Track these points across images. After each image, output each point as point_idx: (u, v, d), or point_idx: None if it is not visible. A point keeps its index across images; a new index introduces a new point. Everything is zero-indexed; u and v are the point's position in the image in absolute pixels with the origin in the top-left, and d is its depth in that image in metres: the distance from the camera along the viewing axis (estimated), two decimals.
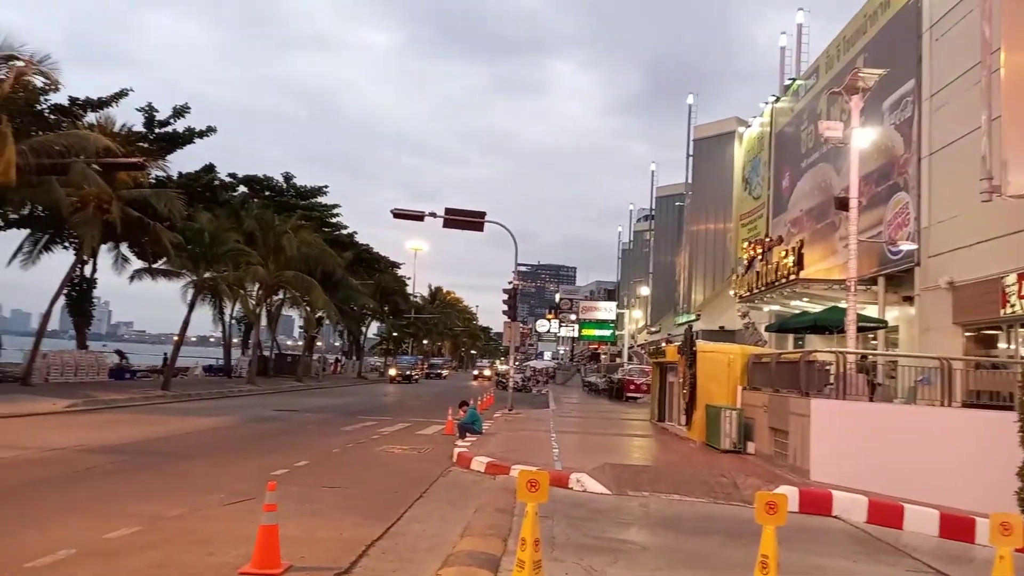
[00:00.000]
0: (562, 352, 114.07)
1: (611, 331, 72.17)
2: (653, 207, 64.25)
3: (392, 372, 55.88)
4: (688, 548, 7.48)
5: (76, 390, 24.38)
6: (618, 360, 61.87)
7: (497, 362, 79.89)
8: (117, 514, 7.67)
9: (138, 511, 7.83)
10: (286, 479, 10.10)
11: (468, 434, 15.57)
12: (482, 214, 25.33)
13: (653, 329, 61.31)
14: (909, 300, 20.32)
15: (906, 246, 19.50)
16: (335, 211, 49.35)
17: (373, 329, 75.60)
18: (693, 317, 43.00)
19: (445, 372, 75.10)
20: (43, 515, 7.67)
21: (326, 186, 48.09)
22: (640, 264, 69.65)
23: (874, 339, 21.80)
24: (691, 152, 47.42)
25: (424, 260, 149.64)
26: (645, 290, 61.07)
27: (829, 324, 18.59)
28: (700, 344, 17.88)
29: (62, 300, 30.17)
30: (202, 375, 43.53)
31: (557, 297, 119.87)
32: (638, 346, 64.62)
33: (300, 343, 63.84)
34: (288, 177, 46.31)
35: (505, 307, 26.96)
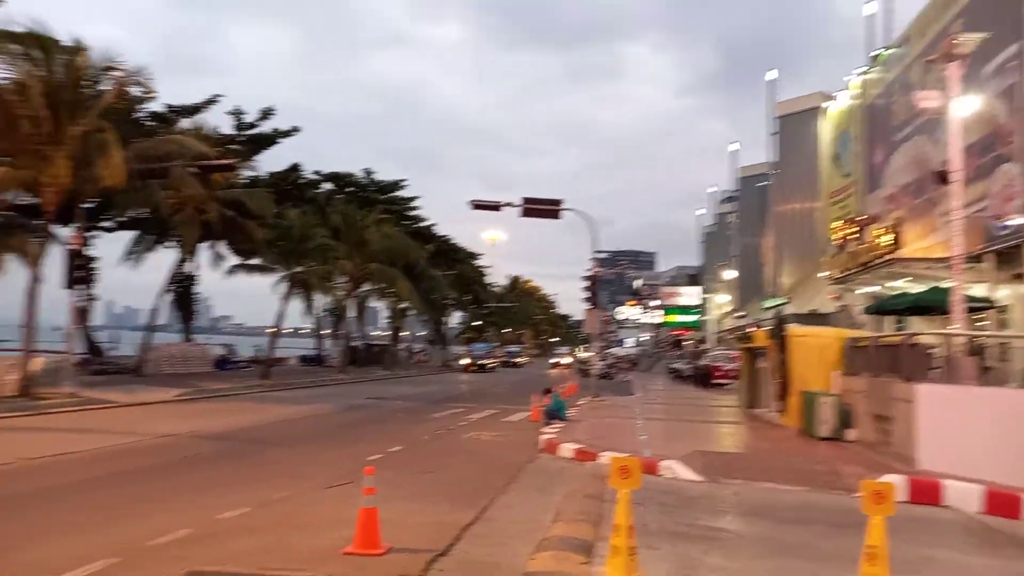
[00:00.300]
0: (644, 339, 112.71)
1: (695, 317, 70.67)
2: (736, 188, 62.30)
3: (465, 361, 52.52)
4: (786, 537, 7.27)
5: (184, 380, 25.97)
6: (703, 346, 60.58)
7: (578, 350, 79.73)
8: (227, 497, 8.13)
9: (246, 495, 8.27)
10: (381, 465, 10.36)
11: (554, 421, 15.62)
12: (559, 202, 25.27)
13: (739, 314, 59.66)
14: (1020, 278, 18.94)
15: (1015, 220, 18.16)
16: (414, 204, 50.43)
17: (456, 319, 76.96)
18: (782, 301, 41.53)
19: (522, 360, 72.57)
20: (162, 497, 8.23)
21: (405, 179, 49.22)
22: (723, 247, 67.77)
23: (983, 320, 20.45)
24: (774, 130, 45.64)
25: (502, 250, 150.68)
26: (730, 274, 59.42)
27: (932, 305, 17.57)
28: (792, 328, 17.26)
29: (168, 296, 32.17)
30: (297, 365, 45.44)
31: (637, 283, 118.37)
32: (724, 331, 63.06)
33: (386, 333, 65.52)
34: (369, 172, 47.62)
35: (585, 294, 26.83)
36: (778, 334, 17.11)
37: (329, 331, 48.78)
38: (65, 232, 22.29)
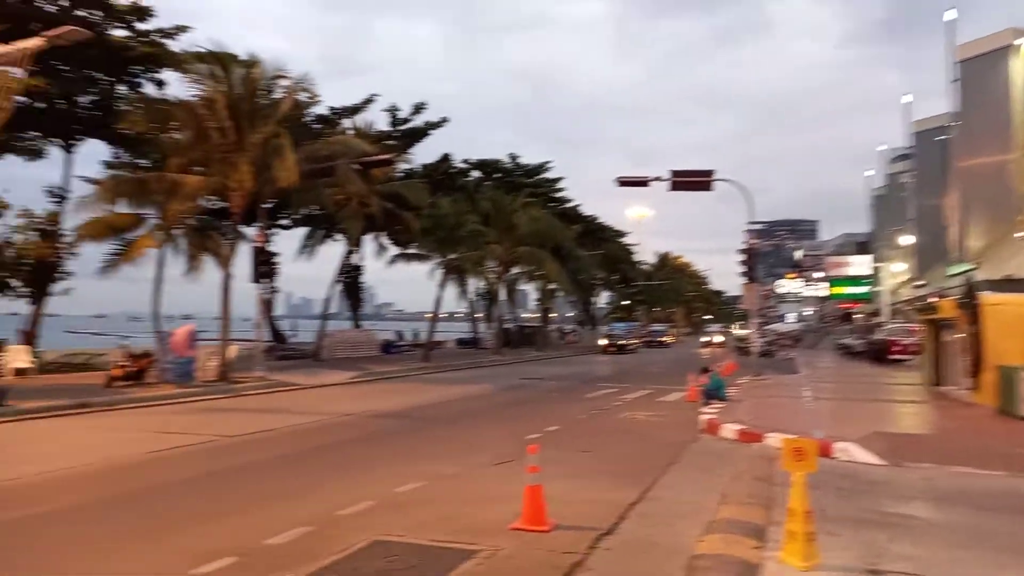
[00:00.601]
0: (807, 314, 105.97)
1: (866, 288, 65.30)
2: (910, 145, 56.54)
3: (602, 342, 47.65)
4: (985, 525, 6.59)
5: (356, 364, 27.98)
6: (876, 319, 55.95)
7: (733, 327, 76.49)
8: (403, 472, 8.68)
9: (419, 470, 8.79)
10: (540, 443, 10.63)
11: (713, 401, 15.17)
12: (710, 172, 24.30)
13: (919, 283, 54.30)
14: None
15: None
16: (559, 185, 50.58)
17: (604, 299, 76.53)
18: (970, 266, 37.29)
19: (668, 339, 67.20)
20: (347, 471, 8.95)
21: (550, 162, 49.46)
22: (897, 211, 61.86)
23: None
24: (955, 77, 40.80)
25: (649, 226, 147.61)
26: (906, 239, 54.21)
27: None
28: (985, 296, 15.49)
29: (338, 286, 34.74)
30: (454, 348, 47.42)
31: (798, 254, 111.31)
32: (901, 302, 57.81)
33: (535, 315, 66.52)
34: (514, 157, 48.36)
35: (741, 268, 25.66)
36: (968, 303, 15.43)
37: (482, 314, 50.39)
38: (249, 231, 24.66)
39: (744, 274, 25.60)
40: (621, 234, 66.57)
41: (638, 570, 5.31)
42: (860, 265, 66.32)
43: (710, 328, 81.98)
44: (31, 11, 21.18)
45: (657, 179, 24.31)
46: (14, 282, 21.91)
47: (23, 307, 23.27)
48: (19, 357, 20.44)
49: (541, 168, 49.20)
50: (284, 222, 34.49)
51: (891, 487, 8.06)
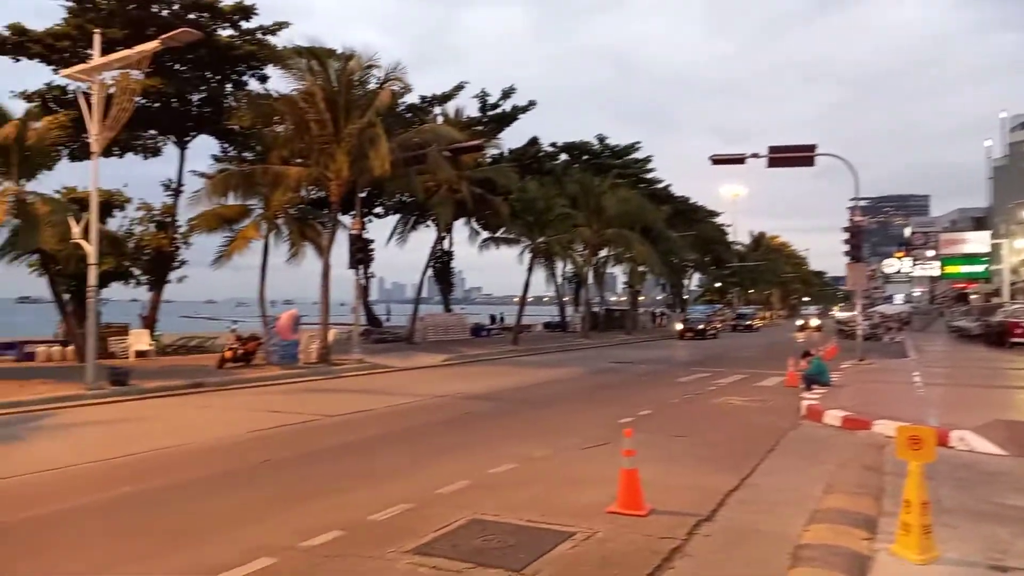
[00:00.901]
0: (917, 294, 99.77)
1: (984, 266, 60.74)
2: None
3: (678, 327, 44.46)
4: None
5: (447, 347, 28.61)
6: (995, 299, 52.00)
7: (835, 309, 72.99)
8: (495, 453, 8.82)
9: (511, 451, 8.91)
10: (633, 427, 10.55)
11: (814, 386, 14.57)
12: (812, 147, 23.17)
13: None
14: None
15: None
16: (648, 166, 49.60)
17: (696, 281, 74.73)
18: None
19: (756, 323, 62.24)
20: (441, 451, 9.18)
21: (638, 142, 48.55)
22: (1019, 182, 57.16)
23: None
24: None
25: (743, 205, 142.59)
26: None
27: None
28: None
29: (429, 271, 35.54)
30: (542, 331, 47.64)
31: (907, 232, 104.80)
32: None
33: (624, 299, 65.69)
34: (602, 138, 47.76)
35: (845, 247, 24.41)
36: None
37: (570, 298, 50.29)
38: (346, 219, 25.56)
39: (848, 253, 24.35)
40: (714, 214, 64.69)
41: (740, 558, 5.19)
42: (977, 242, 61.66)
43: (806, 311, 78.16)
44: (147, 16, 22.63)
45: (754, 156, 23.42)
46: (135, 270, 23.63)
47: (142, 294, 25.12)
48: (140, 340, 22.15)
49: (629, 149, 48.40)
50: (378, 210, 35.55)
51: (1013, 478, 7.53)
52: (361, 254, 23.07)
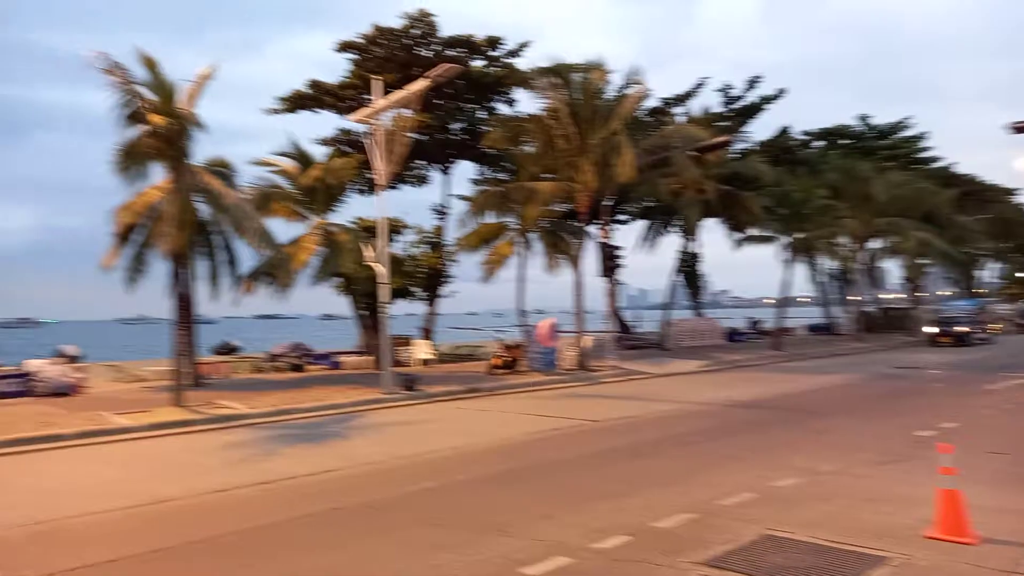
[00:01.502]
0: None
1: None
2: None
3: (930, 330, 33.89)
4: None
5: (702, 352, 27.78)
6: None
7: None
8: (776, 465, 8.34)
9: (793, 463, 8.35)
10: (939, 441, 9.34)
11: None
12: None
13: None
14: None
15: None
16: (921, 144, 43.64)
17: (993, 272, 63.91)
18: None
19: None
20: (715, 460, 8.89)
21: (908, 118, 43.01)
22: None
23: None
24: None
25: None
26: None
27: None
28: None
29: (676, 275, 34.86)
30: (805, 334, 44.20)
31: None
32: None
33: (901, 295, 58.24)
34: (864, 118, 43.15)
35: None
36: None
37: (834, 297, 45.99)
38: (593, 229, 26.11)
39: None
40: (1010, 192, 54.86)
41: None
42: None
43: None
44: (412, 59, 25.36)
45: None
46: (414, 288, 26.45)
47: (418, 308, 28.00)
48: (423, 349, 24.68)
49: (897, 127, 43.05)
50: (622, 217, 35.75)
51: None
52: (611, 262, 23.38)
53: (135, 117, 14.12)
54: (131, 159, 14.28)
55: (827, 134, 42.51)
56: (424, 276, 26.45)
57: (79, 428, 11.94)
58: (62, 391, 16.93)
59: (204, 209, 17.18)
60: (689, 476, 8.04)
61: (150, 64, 14.55)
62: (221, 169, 18.44)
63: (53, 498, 7.86)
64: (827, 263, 41.25)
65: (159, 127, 14.14)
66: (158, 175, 15.72)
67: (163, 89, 14.57)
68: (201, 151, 16.86)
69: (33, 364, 18.01)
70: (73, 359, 21.69)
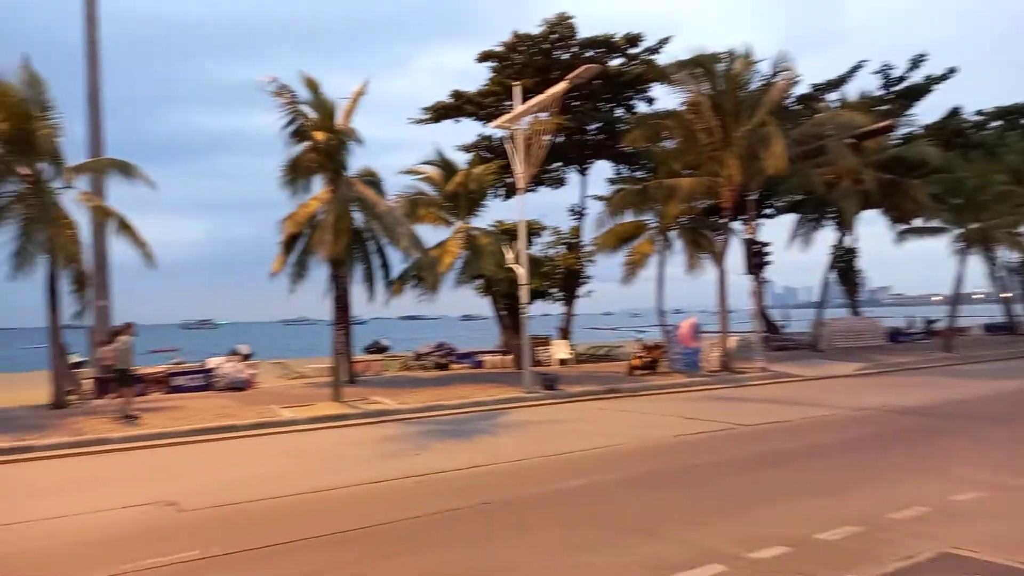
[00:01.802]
0: None
1: None
2: None
3: None
4: None
5: (859, 354, 25.83)
6: None
7: None
8: (951, 476, 7.60)
9: (972, 476, 7.57)
10: None
11: None
12: None
13: None
14: None
15: None
16: None
17: None
18: None
19: None
20: (881, 470, 8.23)
21: None
22: None
23: None
24: None
25: None
26: None
27: None
28: None
29: (831, 272, 32.61)
30: (981, 334, 39.92)
31: None
32: None
33: None
34: None
35: None
36: None
37: (1016, 293, 41.13)
38: (737, 225, 25.03)
39: None
40: None
41: None
42: None
43: None
44: (551, 63, 25.57)
45: None
46: (552, 289, 26.65)
47: (556, 308, 28.16)
48: (561, 350, 24.83)
49: None
50: (768, 211, 33.98)
51: None
52: (757, 259, 22.28)
53: (299, 134, 15.32)
54: (296, 173, 15.51)
55: (1006, 113, 38.07)
56: (561, 277, 26.57)
57: (252, 420, 13.11)
58: (237, 386, 18.65)
59: (359, 217, 18.30)
60: (851, 486, 7.50)
61: (312, 85, 15.72)
62: (371, 179, 19.58)
63: (233, 485, 8.68)
64: (1008, 255, 36.91)
65: (320, 143, 15.25)
66: (317, 187, 16.96)
67: (323, 107, 15.70)
68: (354, 163, 18.01)
69: (213, 361, 20.01)
70: (246, 357, 23.89)
